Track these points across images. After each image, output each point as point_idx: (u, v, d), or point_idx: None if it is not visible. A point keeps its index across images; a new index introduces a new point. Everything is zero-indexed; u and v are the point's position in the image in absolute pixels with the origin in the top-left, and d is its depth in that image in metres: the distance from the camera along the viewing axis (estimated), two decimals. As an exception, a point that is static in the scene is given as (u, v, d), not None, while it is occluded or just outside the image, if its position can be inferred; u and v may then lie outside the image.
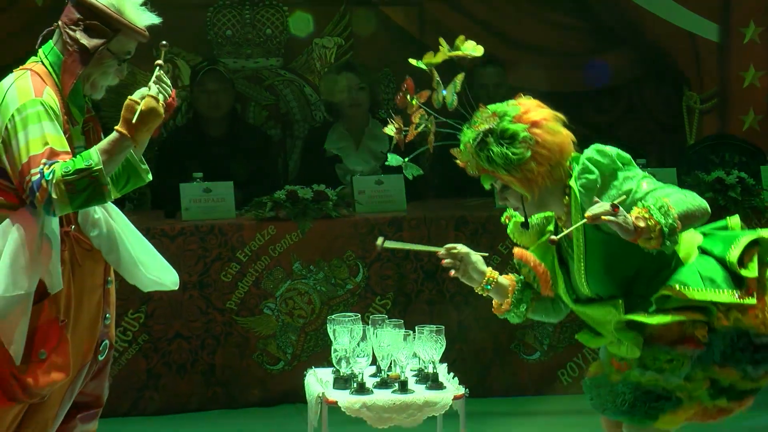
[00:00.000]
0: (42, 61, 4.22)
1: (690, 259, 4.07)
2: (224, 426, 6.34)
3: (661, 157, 8.37)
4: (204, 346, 6.55)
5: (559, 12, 8.30)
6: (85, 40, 4.13)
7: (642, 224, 3.83)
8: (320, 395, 4.46)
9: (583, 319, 4.25)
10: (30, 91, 4.08)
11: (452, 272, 4.33)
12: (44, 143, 4.01)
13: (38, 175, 3.98)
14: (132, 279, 4.38)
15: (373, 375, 4.56)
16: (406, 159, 4.38)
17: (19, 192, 4.08)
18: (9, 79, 4.18)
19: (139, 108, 4.05)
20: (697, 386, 4.04)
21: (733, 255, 4.02)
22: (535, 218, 4.29)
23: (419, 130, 4.27)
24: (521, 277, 4.36)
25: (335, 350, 4.53)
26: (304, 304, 6.63)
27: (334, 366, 4.57)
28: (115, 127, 4.07)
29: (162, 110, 4.11)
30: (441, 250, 4.36)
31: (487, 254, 4.41)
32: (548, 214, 4.26)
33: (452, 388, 4.50)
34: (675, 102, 8.51)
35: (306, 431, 4.80)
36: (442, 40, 4.22)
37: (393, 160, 4.43)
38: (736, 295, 3.98)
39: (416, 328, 4.53)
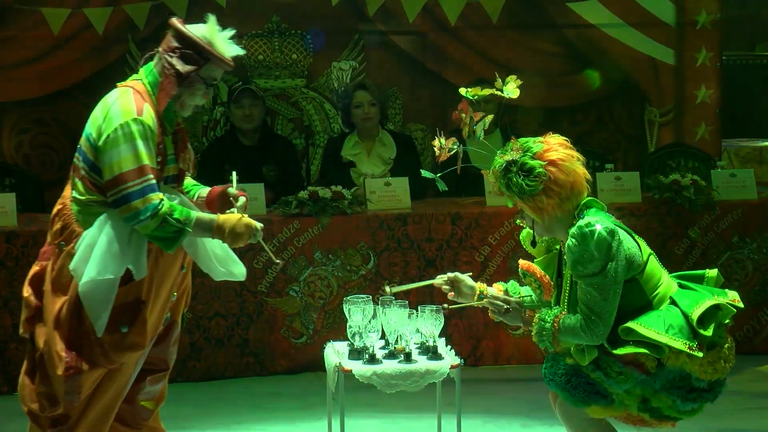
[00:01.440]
0: (142, 80, 4.24)
1: (662, 306, 4.06)
2: (256, 390, 6.32)
3: (626, 163, 8.36)
4: (239, 323, 6.53)
5: (541, 40, 8.27)
6: (180, 66, 4.17)
7: (529, 327, 4.13)
8: (337, 365, 4.43)
9: None
10: (132, 110, 4.10)
11: (451, 294, 4.35)
12: (138, 160, 4.05)
13: (141, 191, 4.03)
14: (206, 269, 4.42)
15: (382, 347, 4.54)
16: (438, 174, 4.34)
17: (104, 193, 4.10)
18: (113, 94, 4.20)
19: (254, 236, 4.23)
20: (632, 399, 4.04)
21: (696, 314, 4.00)
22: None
23: (451, 153, 4.26)
24: (508, 285, 4.36)
25: (350, 326, 4.51)
26: (324, 287, 6.60)
27: (349, 340, 4.55)
28: (218, 224, 4.17)
29: (247, 240, 4.25)
30: (437, 280, 4.38)
31: (470, 272, 4.42)
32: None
33: (449, 358, 4.48)
34: (638, 116, 8.49)
35: (325, 395, 4.78)
36: (498, 78, 4.22)
37: (426, 174, 4.41)
38: (688, 346, 3.95)
39: (419, 307, 4.50)
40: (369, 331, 4.45)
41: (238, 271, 4.47)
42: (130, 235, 4.12)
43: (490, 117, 4.28)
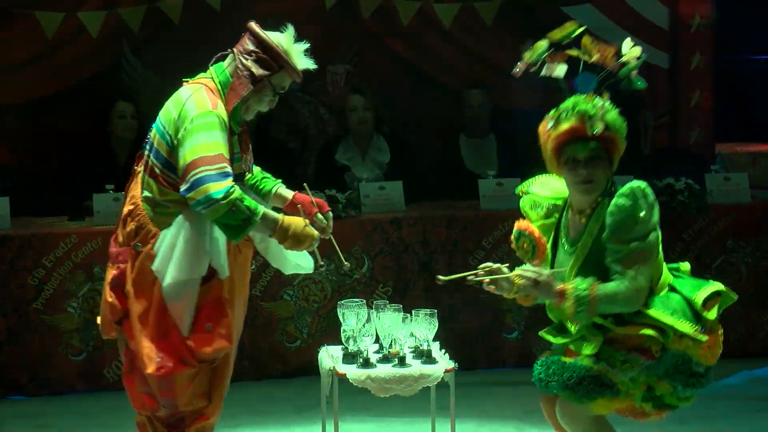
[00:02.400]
0: (213, 79, 4.28)
1: (661, 293, 4.08)
2: (251, 393, 6.32)
3: (621, 166, 8.32)
4: (233, 326, 6.52)
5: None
6: (254, 69, 4.23)
7: (562, 299, 3.99)
8: (331, 369, 4.43)
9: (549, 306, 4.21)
10: (207, 103, 4.15)
11: (491, 289, 4.30)
12: (215, 148, 4.08)
13: (217, 175, 4.04)
14: (276, 263, 4.50)
15: (377, 351, 4.54)
16: (596, 79, 4.26)
17: (180, 181, 4.11)
18: (186, 91, 4.25)
19: (311, 245, 4.28)
20: (637, 387, 4.05)
21: (700, 297, 4.03)
22: (546, 201, 4.23)
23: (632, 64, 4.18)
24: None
25: (344, 330, 4.51)
26: (318, 291, 6.60)
27: (343, 344, 4.54)
28: (283, 223, 4.19)
29: (306, 248, 4.30)
30: (479, 271, 4.32)
31: (508, 264, 4.33)
32: (558, 201, 4.19)
33: (443, 362, 4.48)
34: (632, 119, 8.44)
35: (319, 399, 4.78)
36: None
37: (583, 79, 4.33)
38: (694, 329, 3.98)
39: (413, 311, 4.51)
40: (363, 335, 4.45)
41: (306, 264, 4.53)
42: (209, 234, 4.17)
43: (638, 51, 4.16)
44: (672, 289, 4.10)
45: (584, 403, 4.04)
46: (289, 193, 4.50)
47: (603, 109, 4.04)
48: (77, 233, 6.41)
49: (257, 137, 7.39)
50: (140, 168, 4.33)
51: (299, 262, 4.49)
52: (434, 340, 4.53)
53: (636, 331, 3.97)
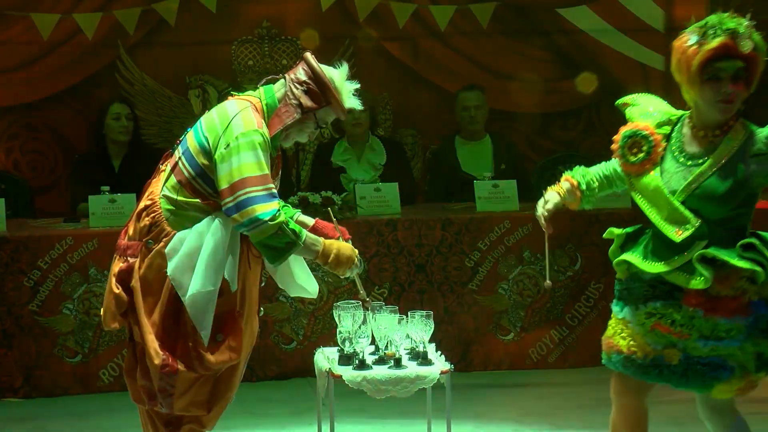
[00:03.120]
0: (261, 100, 4.29)
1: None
2: (246, 396, 6.27)
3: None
4: (229, 328, 6.51)
5: (530, 46, 8.28)
6: (303, 99, 4.24)
7: None
8: (327, 370, 4.43)
9: (656, 221, 4.04)
10: (254, 122, 4.15)
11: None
12: (261, 168, 4.10)
13: (264, 197, 4.08)
14: (282, 284, 4.52)
15: (372, 353, 4.53)
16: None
17: (220, 200, 4.13)
18: (233, 106, 4.23)
19: (351, 268, 4.33)
20: (748, 357, 3.95)
21: None
22: (660, 112, 4.20)
23: None
24: (577, 176, 4.28)
25: (340, 332, 4.50)
26: (314, 292, 6.59)
27: (339, 345, 4.54)
28: (324, 247, 4.24)
29: (345, 275, 4.36)
30: (545, 229, 4.23)
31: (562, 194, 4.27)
32: (671, 116, 4.15)
33: (439, 364, 4.47)
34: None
35: (315, 401, 4.77)
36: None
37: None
38: None
39: (409, 313, 4.50)
40: (359, 337, 4.45)
41: (313, 288, 4.54)
42: (229, 246, 4.18)
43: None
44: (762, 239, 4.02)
45: (705, 391, 3.99)
46: (309, 220, 4.51)
47: (750, 28, 4.01)
48: (73, 235, 6.40)
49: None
50: (165, 167, 4.32)
51: (305, 285, 4.51)
52: (430, 341, 4.53)
53: (748, 266, 3.87)
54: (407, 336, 4.50)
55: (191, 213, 4.19)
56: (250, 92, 4.35)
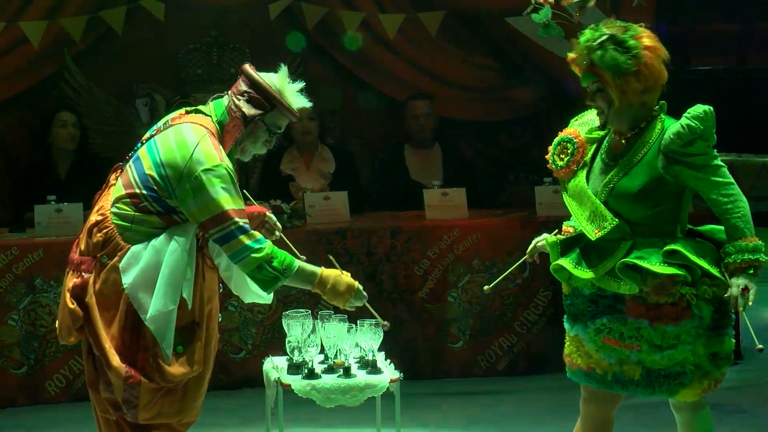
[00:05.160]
0: (212, 118, 4.27)
1: (682, 234, 4.08)
2: (195, 406, 6.27)
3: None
4: (177, 338, 6.47)
5: (479, 54, 8.31)
6: (246, 109, 4.23)
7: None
8: (276, 379, 4.42)
9: (580, 221, 4.12)
10: (215, 156, 4.12)
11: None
12: (236, 201, 4.11)
13: (254, 240, 4.10)
14: (237, 291, 4.47)
15: (322, 362, 4.53)
16: (548, 13, 4.28)
17: (200, 230, 4.14)
18: (191, 135, 4.16)
19: (351, 299, 4.26)
20: (703, 358, 4.01)
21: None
22: (591, 119, 4.25)
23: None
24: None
25: (289, 341, 4.50)
26: (263, 301, 6.57)
27: (288, 354, 4.53)
28: (323, 275, 4.25)
29: (343, 305, 4.27)
30: (527, 257, 4.33)
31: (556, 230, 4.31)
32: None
33: (389, 372, 4.47)
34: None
35: (264, 410, 4.76)
36: None
37: (537, 17, 4.32)
38: (722, 273, 3.98)
39: (358, 321, 4.50)
40: (308, 346, 4.45)
41: (267, 296, 4.48)
42: (188, 264, 4.16)
43: None
44: (696, 233, 4.10)
45: (672, 397, 4.06)
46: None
47: (596, 44, 4.05)
48: (18, 245, 6.34)
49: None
50: (116, 181, 4.28)
51: (259, 292, 4.48)
52: (379, 350, 4.53)
53: (670, 271, 3.93)
54: (356, 345, 4.50)
55: (146, 228, 4.17)
56: (201, 107, 4.33)
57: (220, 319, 4.47)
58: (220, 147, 4.18)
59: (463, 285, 6.73)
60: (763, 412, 6.09)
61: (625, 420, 5.39)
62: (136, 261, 4.14)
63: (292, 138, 7.49)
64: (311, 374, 4.41)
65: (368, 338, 4.46)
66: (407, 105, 7.71)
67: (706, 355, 4.03)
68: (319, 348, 4.48)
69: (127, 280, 4.13)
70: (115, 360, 4.15)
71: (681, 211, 4.09)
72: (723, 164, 4.04)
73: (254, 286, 4.41)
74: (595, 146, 4.21)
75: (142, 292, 4.12)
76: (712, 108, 4.05)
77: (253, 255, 4.10)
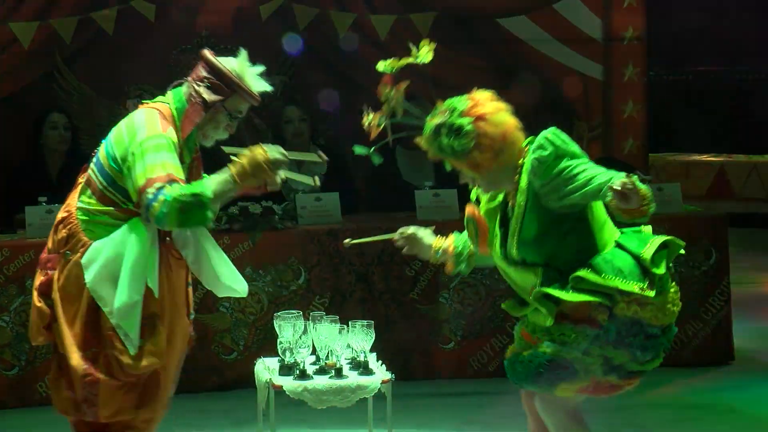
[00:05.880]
0: (169, 105, 4.29)
1: (606, 249, 4.06)
2: (185, 408, 6.25)
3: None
4: (169, 340, 6.47)
5: (470, 55, 8.31)
6: (206, 95, 4.24)
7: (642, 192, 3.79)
8: (268, 381, 4.42)
9: (507, 280, 4.21)
10: (157, 126, 4.16)
11: (404, 250, 4.38)
12: (164, 169, 4.08)
13: (155, 192, 4.04)
14: (209, 285, 4.46)
15: (313, 363, 4.53)
16: (372, 149, 4.36)
17: (137, 208, 4.13)
18: (140, 114, 4.24)
19: (275, 168, 4.21)
20: (593, 361, 4.02)
21: (647, 252, 4.02)
22: None
23: (380, 127, 4.28)
24: (459, 240, 4.36)
25: (280, 342, 4.50)
26: (255, 303, 6.57)
27: (279, 356, 4.53)
28: (234, 167, 4.17)
29: (269, 175, 4.22)
30: (395, 236, 4.36)
31: (433, 227, 4.38)
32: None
33: (380, 373, 4.48)
34: (566, 130, 8.49)
35: (256, 412, 4.75)
36: (412, 47, 4.27)
37: (358, 150, 4.42)
38: (639, 287, 3.96)
39: (350, 322, 4.50)
40: (300, 347, 4.45)
41: (241, 288, 4.49)
42: (149, 254, 4.17)
43: (405, 83, 4.27)
44: (619, 246, 4.07)
45: (549, 390, 4.05)
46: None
47: (430, 137, 4.16)
48: (9, 246, 6.33)
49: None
50: (82, 179, 4.33)
51: (232, 284, 4.47)
52: (371, 351, 4.53)
53: (582, 299, 3.94)
54: (348, 346, 4.50)
55: (106, 222, 4.19)
56: (160, 98, 4.35)
57: (192, 317, 4.45)
58: (171, 128, 4.19)
59: (454, 286, 6.73)
60: (755, 412, 6.11)
61: (612, 420, 5.40)
62: (97, 256, 4.17)
63: (283, 139, 7.49)
64: (303, 375, 4.41)
65: (360, 339, 4.46)
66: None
67: (599, 356, 4.03)
68: (311, 349, 4.48)
69: (89, 276, 4.16)
70: (75, 358, 4.16)
71: (594, 225, 4.09)
72: (588, 165, 4.02)
73: (227, 279, 4.39)
74: (500, 213, 4.22)
75: (104, 287, 4.14)
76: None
77: (166, 211, 4.04)
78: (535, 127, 8.62)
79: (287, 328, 4.47)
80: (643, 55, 8.40)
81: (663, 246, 4.08)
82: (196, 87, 4.26)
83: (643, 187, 3.81)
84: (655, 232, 6.91)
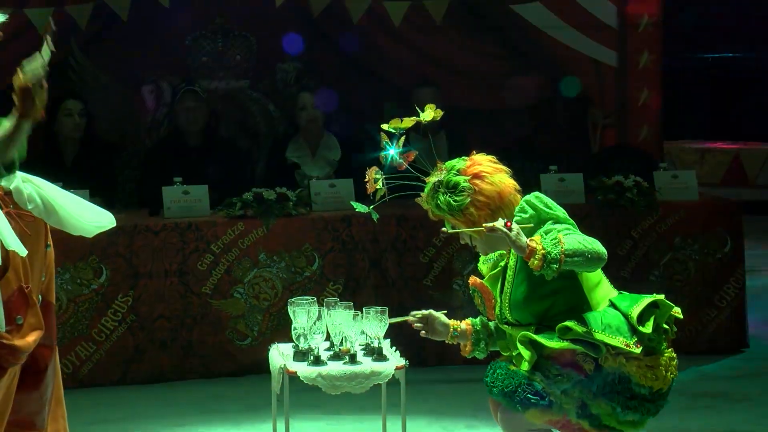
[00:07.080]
0: None
1: (599, 308, 4.09)
2: (200, 393, 6.30)
3: (570, 165, 8.39)
4: (183, 325, 6.50)
5: (484, 42, 8.30)
6: None
7: (533, 245, 3.89)
8: (282, 366, 4.43)
9: (509, 344, 4.26)
10: None
11: (422, 333, 4.42)
12: None
13: None
14: (76, 231, 4.35)
15: (327, 349, 4.54)
16: (371, 207, 4.44)
17: None
18: None
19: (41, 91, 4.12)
20: (570, 402, 4.04)
21: (635, 312, 4.03)
22: (492, 254, 4.28)
23: (377, 185, 4.33)
24: (477, 320, 4.40)
25: (295, 328, 4.51)
26: (269, 289, 6.59)
27: (294, 341, 4.54)
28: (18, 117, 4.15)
29: (36, 90, 4.19)
30: (410, 318, 4.40)
31: (445, 311, 4.45)
32: (503, 251, 4.23)
33: (394, 360, 4.49)
34: (581, 117, 8.53)
35: (270, 397, 4.77)
36: (418, 111, 4.30)
37: (358, 207, 4.46)
38: (625, 343, 3.97)
39: (363, 309, 4.51)
40: (314, 333, 4.46)
41: (108, 220, 4.40)
42: None
43: (402, 138, 4.35)
44: (612, 305, 4.10)
45: (519, 411, 4.07)
46: None
47: (429, 196, 4.23)
48: None
49: (207, 136, 7.39)
50: None
51: (99, 220, 4.35)
52: (385, 337, 4.54)
53: (566, 347, 3.98)
54: (362, 332, 4.52)
55: None
56: None
57: (43, 279, 4.26)
58: None
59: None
60: (768, 400, 6.11)
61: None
62: None
63: (297, 126, 7.51)
64: (317, 361, 4.42)
65: (374, 325, 4.47)
66: (412, 93, 7.70)
67: (577, 399, 4.04)
68: (325, 335, 4.49)
69: None
70: None
71: (585, 284, 4.11)
72: (571, 231, 4.02)
73: (88, 219, 4.29)
74: (501, 278, 4.24)
75: None
76: (535, 192, 4.14)
77: None
78: (551, 113, 8.64)
79: (301, 314, 4.48)
80: (659, 41, 8.37)
81: (653, 305, 4.07)
82: None
83: (536, 242, 3.89)
84: (671, 219, 6.97)
